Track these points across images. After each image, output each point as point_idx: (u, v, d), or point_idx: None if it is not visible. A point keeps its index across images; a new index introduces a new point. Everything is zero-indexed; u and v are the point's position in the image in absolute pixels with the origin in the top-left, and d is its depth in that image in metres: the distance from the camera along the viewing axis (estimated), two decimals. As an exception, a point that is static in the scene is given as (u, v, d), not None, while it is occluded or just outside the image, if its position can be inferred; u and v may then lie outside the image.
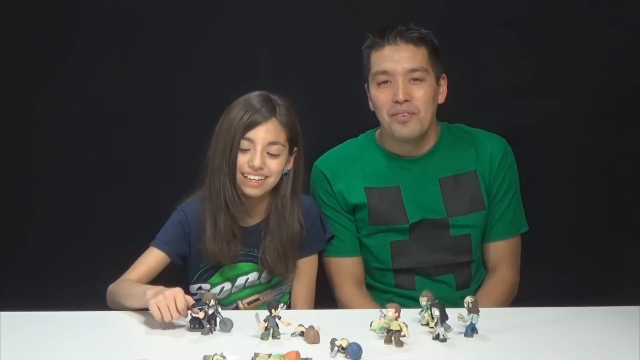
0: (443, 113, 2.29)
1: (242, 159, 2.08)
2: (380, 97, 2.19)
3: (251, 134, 2.07)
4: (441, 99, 2.24)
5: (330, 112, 2.61)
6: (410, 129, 2.17)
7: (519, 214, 2.30)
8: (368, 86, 2.24)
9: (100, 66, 2.64)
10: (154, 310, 1.83)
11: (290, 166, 2.15)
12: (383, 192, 2.25)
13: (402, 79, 2.15)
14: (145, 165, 2.68)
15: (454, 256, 2.25)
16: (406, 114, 2.16)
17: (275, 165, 2.10)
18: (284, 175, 2.15)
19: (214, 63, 2.64)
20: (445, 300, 1.85)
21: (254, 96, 2.12)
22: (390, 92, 2.16)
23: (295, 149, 2.15)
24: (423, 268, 2.25)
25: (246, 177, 2.08)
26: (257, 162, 2.06)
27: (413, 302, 1.98)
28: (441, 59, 2.22)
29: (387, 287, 2.29)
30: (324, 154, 2.35)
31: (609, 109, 2.64)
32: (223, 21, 2.63)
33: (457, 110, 2.33)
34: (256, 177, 2.08)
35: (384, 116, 2.20)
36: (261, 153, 2.07)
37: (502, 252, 2.27)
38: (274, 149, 2.09)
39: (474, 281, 2.27)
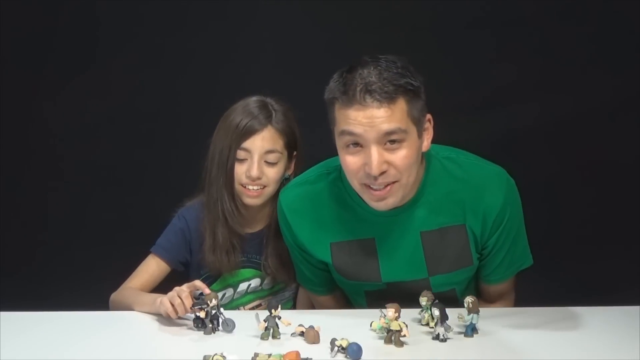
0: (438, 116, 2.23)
1: (239, 170, 2.06)
2: (349, 163, 1.80)
3: (247, 144, 2.05)
4: (425, 146, 1.86)
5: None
6: (389, 203, 1.84)
7: (521, 253, 2.03)
8: (334, 136, 1.85)
9: (95, 67, 2.65)
10: (167, 305, 1.82)
11: (291, 171, 2.14)
12: (354, 245, 1.95)
13: (375, 148, 1.75)
14: (146, 167, 2.68)
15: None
16: (383, 188, 1.81)
17: (273, 174, 2.07)
18: (285, 180, 2.13)
19: (213, 65, 2.64)
20: None
21: (251, 102, 2.09)
22: (362, 159, 1.78)
23: (295, 153, 2.13)
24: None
25: (245, 187, 2.07)
26: (254, 173, 2.04)
27: None
28: (423, 97, 1.81)
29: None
30: (289, 183, 2.06)
31: (605, 112, 2.65)
32: (224, 22, 2.63)
33: (452, 112, 2.31)
34: (255, 187, 2.06)
35: (355, 184, 1.84)
36: (258, 163, 2.05)
37: (499, 291, 2.08)
38: (271, 158, 2.06)
39: None
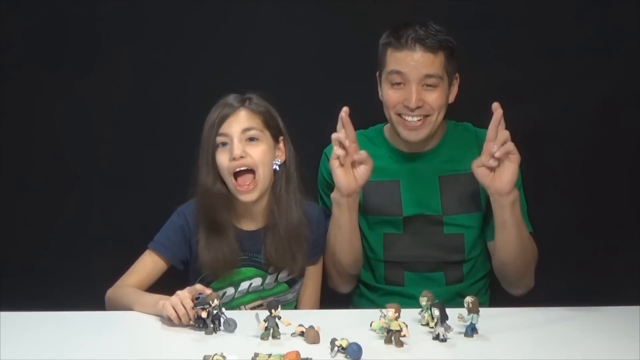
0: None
1: (223, 158, 2.06)
2: (391, 97, 2.19)
3: (224, 129, 2.06)
4: (451, 98, 2.25)
5: (333, 114, 2.61)
6: (419, 135, 2.20)
7: (523, 216, 2.20)
8: (380, 78, 2.24)
9: (95, 68, 2.64)
10: (170, 312, 1.83)
11: (283, 158, 2.14)
12: (381, 185, 2.26)
13: (415, 86, 2.15)
14: (142, 165, 2.68)
15: (446, 254, 2.25)
16: (418, 121, 2.17)
17: (258, 153, 2.07)
18: (279, 167, 2.13)
19: (212, 66, 2.64)
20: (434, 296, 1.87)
21: (228, 97, 2.12)
22: (402, 95, 2.16)
23: (282, 138, 2.14)
24: (413, 263, 2.25)
25: (236, 179, 2.06)
26: (236, 151, 2.04)
27: (400, 300, 1.98)
28: (456, 58, 2.22)
29: (378, 283, 2.29)
30: None
31: (606, 112, 2.64)
32: (223, 23, 2.63)
33: (457, 109, 2.33)
34: (243, 169, 2.05)
35: (391, 114, 2.21)
36: (239, 142, 2.05)
37: None
38: (250, 134, 2.07)
39: (466, 279, 2.27)
